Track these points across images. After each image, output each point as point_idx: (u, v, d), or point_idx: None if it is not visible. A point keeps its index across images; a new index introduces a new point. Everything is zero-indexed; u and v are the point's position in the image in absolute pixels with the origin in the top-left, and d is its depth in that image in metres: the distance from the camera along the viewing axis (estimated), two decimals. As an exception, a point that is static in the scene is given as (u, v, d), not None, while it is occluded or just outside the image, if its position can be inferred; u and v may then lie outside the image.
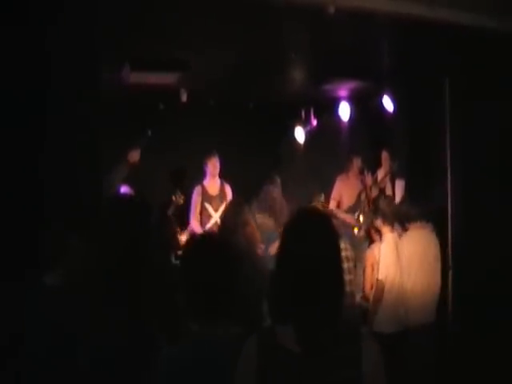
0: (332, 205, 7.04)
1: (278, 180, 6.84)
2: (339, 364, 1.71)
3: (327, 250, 1.79)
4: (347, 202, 6.99)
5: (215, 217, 6.54)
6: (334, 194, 7.09)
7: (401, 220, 5.03)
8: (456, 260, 4.91)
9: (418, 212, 4.91)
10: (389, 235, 4.86)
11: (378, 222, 4.95)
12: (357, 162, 7.01)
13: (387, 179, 6.86)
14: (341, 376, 1.70)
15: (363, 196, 6.79)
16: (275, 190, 6.51)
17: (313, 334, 1.73)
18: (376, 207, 4.99)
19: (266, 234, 6.18)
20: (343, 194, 7.06)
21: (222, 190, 6.76)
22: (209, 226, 6.55)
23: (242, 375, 1.79)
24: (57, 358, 2.36)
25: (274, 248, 5.34)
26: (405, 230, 5.00)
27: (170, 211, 6.21)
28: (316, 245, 1.77)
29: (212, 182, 6.77)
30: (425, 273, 4.76)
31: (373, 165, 7.07)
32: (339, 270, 1.81)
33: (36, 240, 3.03)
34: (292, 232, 1.85)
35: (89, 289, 2.48)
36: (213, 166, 6.70)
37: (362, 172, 6.95)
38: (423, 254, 4.80)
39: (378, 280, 4.74)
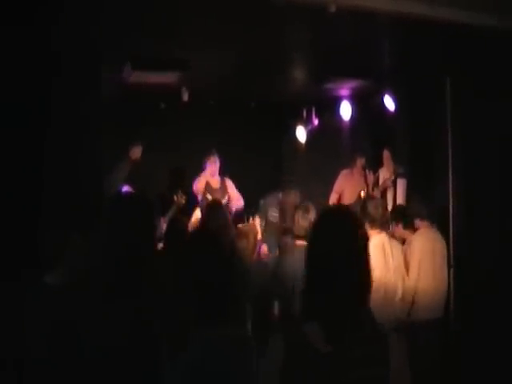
0: (333, 198, 7.04)
1: (298, 193, 6.64)
2: (367, 363, 1.72)
3: (354, 250, 1.80)
4: (348, 198, 6.97)
5: None
6: (336, 187, 7.09)
7: (406, 219, 5.04)
8: (457, 259, 4.91)
9: (425, 211, 4.94)
10: (376, 237, 4.84)
11: (366, 227, 4.92)
12: (360, 162, 7.01)
13: (390, 182, 6.82)
14: (368, 375, 1.71)
15: (363, 194, 6.77)
16: (295, 197, 6.48)
17: (341, 333, 1.74)
18: (364, 211, 4.95)
19: (274, 235, 6.22)
20: (345, 189, 7.05)
21: (222, 183, 6.85)
22: None
23: (268, 374, 1.79)
24: (58, 358, 2.36)
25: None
26: (411, 229, 5.01)
27: (172, 211, 6.17)
28: (344, 244, 1.78)
29: (211, 179, 6.86)
30: (435, 270, 4.83)
31: (375, 164, 7.06)
32: (367, 270, 1.82)
33: (37, 239, 3.04)
34: (320, 231, 1.87)
35: (90, 288, 2.48)
36: (211, 165, 6.77)
37: (364, 170, 6.96)
38: (433, 252, 4.85)
39: None
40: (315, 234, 1.86)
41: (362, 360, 1.71)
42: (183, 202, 6.39)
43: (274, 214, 6.66)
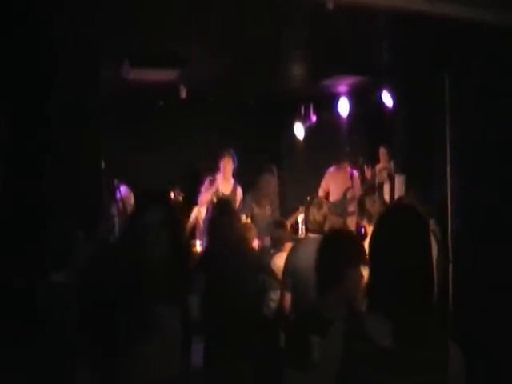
0: (320, 194, 7.09)
1: (275, 169, 6.81)
2: (425, 366, 1.71)
3: (420, 248, 1.80)
4: (334, 195, 7.05)
5: None
6: (323, 185, 7.22)
7: None
8: (456, 255, 4.92)
9: (422, 206, 4.93)
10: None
11: (364, 223, 4.90)
12: (347, 162, 7.10)
13: (385, 174, 6.84)
14: (425, 377, 1.71)
15: (349, 194, 6.83)
16: (272, 179, 6.52)
17: (404, 331, 1.73)
18: (362, 208, 4.93)
19: (262, 224, 6.20)
20: (331, 187, 7.15)
21: (234, 190, 6.54)
22: None
23: (327, 362, 1.81)
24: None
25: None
26: None
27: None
28: (409, 242, 1.78)
29: (225, 181, 6.52)
30: None
31: (372, 160, 7.08)
32: (431, 269, 1.82)
33: (41, 239, 3.03)
34: (386, 228, 1.87)
35: (95, 288, 2.47)
36: (225, 165, 6.43)
37: (355, 163, 7.02)
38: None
39: None
40: (381, 231, 1.87)
41: (422, 363, 1.71)
42: (180, 199, 6.33)
43: (259, 203, 6.49)
